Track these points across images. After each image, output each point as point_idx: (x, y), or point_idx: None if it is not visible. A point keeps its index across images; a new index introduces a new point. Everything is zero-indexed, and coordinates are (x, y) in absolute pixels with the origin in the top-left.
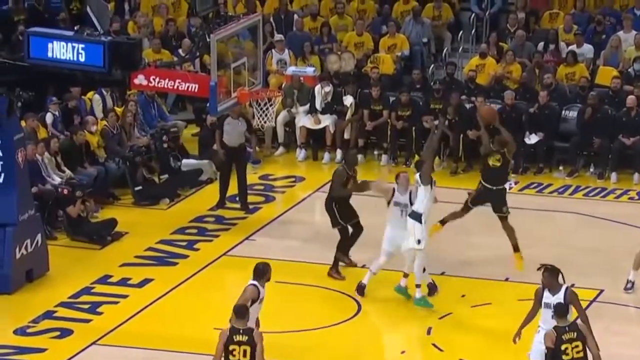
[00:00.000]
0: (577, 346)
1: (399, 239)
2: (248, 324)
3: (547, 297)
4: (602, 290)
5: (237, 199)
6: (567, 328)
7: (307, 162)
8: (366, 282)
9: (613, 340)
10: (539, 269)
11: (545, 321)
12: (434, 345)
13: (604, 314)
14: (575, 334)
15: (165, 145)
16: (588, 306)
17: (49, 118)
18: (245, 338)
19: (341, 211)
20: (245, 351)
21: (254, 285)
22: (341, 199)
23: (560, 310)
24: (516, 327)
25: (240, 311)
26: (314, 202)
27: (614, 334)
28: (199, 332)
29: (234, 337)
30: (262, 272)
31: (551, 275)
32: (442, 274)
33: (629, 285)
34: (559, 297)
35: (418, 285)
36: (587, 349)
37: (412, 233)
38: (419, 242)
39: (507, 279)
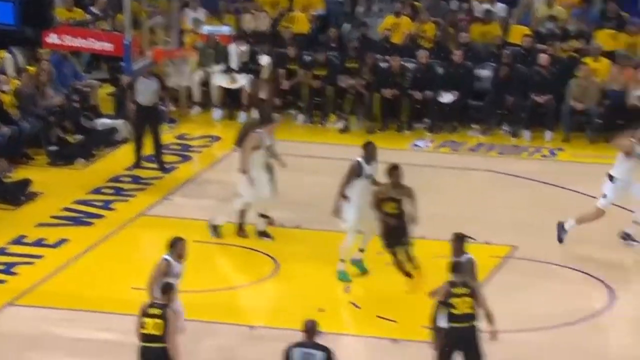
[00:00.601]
0: (466, 302)
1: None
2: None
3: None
4: (516, 247)
5: (153, 158)
6: (459, 284)
7: (223, 121)
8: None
9: (528, 295)
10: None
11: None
12: (352, 303)
13: (519, 271)
14: (467, 290)
15: (77, 105)
16: (503, 262)
17: None
18: (158, 311)
19: None
20: (157, 324)
21: (165, 259)
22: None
23: (454, 267)
24: (432, 283)
25: (165, 287)
26: (230, 162)
27: (529, 290)
28: (116, 291)
29: (148, 310)
30: (171, 245)
31: (458, 242)
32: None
33: (561, 234)
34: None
35: (342, 260)
36: (477, 306)
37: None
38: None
39: (423, 237)
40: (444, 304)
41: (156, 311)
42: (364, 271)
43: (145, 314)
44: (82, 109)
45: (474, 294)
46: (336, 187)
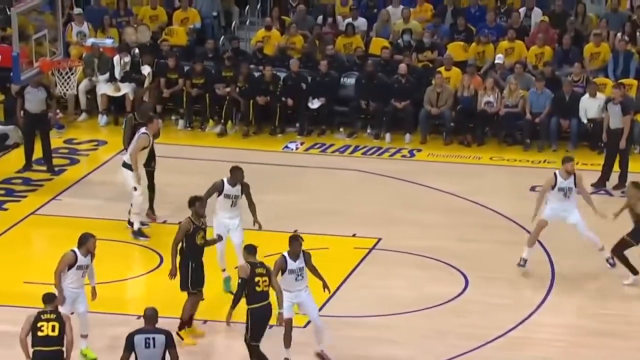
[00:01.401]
0: (265, 280)
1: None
2: (72, 287)
3: (291, 265)
4: (380, 239)
5: (43, 161)
6: (258, 264)
7: (108, 127)
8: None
9: (390, 283)
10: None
11: (285, 283)
12: (230, 292)
13: (382, 261)
14: (265, 270)
15: None
16: (368, 253)
17: None
18: (53, 316)
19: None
20: (54, 326)
21: (72, 250)
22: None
23: (250, 249)
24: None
25: (47, 297)
26: (116, 164)
27: (391, 278)
28: (10, 286)
29: (42, 316)
30: (79, 241)
31: (295, 243)
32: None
33: (522, 263)
34: (301, 262)
35: (223, 270)
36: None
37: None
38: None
39: (295, 231)
40: (249, 282)
41: (51, 315)
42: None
43: (40, 320)
44: None
45: (269, 274)
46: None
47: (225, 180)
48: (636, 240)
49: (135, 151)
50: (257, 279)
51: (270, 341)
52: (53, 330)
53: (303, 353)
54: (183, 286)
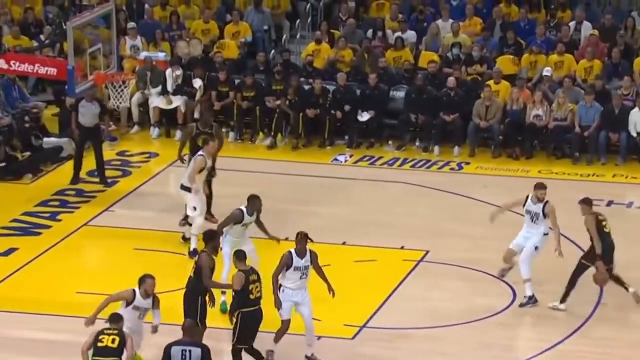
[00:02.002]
0: (257, 287)
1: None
2: (128, 324)
3: (297, 262)
4: (427, 251)
5: (96, 173)
6: (250, 271)
7: (160, 139)
8: None
9: (438, 295)
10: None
11: (289, 279)
12: None
13: (430, 273)
14: (257, 276)
15: (27, 125)
16: (416, 265)
17: None
18: (115, 331)
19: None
20: (114, 339)
21: (133, 289)
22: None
23: (240, 255)
24: (353, 284)
25: (113, 318)
26: (167, 176)
27: (439, 290)
28: (63, 295)
29: (105, 331)
30: (139, 281)
31: (302, 241)
32: (286, 239)
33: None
34: (307, 260)
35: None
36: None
37: None
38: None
39: (344, 243)
40: (244, 291)
41: (113, 331)
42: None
43: (102, 333)
44: (31, 129)
45: (260, 280)
46: (264, 198)
47: (244, 209)
48: (591, 261)
49: (194, 173)
50: (250, 287)
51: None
52: (113, 342)
53: None
54: (190, 316)
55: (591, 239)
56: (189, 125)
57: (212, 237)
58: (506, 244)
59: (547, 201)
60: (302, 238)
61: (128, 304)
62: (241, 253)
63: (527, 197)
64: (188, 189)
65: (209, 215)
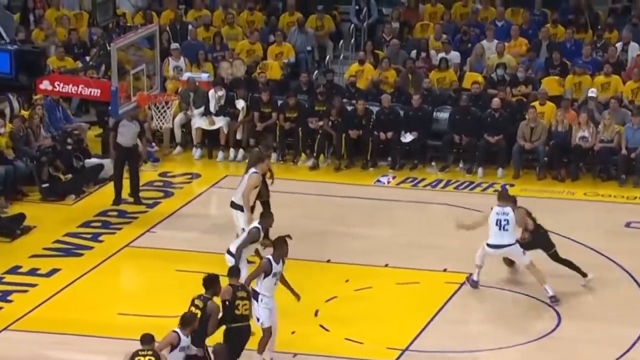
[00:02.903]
0: (246, 304)
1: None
2: None
3: (275, 267)
4: (471, 274)
5: (130, 194)
6: (239, 287)
7: (202, 160)
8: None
9: (481, 318)
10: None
11: (266, 287)
12: (321, 326)
13: (474, 295)
14: (246, 293)
15: (69, 147)
16: (459, 288)
17: None
18: (150, 352)
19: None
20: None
21: (175, 332)
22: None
23: (232, 272)
24: (395, 307)
25: (145, 338)
26: (209, 197)
27: (482, 313)
28: (104, 317)
29: (139, 352)
30: (187, 321)
31: (283, 246)
32: (328, 261)
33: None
34: (281, 266)
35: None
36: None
37: None
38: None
39: (386, 265)
40: (230, 304)
41: (147, 352)
42: None
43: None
44: (73, 150)
45: (250, 298)
46: (306, 219)
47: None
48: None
49: (248, 191)
50: (237, 302)
51: None
52: None
53: None
54: (199, 344)
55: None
56: (254, 150)
57: (212, 283)
58: (550, 267)
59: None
60: (284, 242)
61: (173, 347)
62: (236, 271)
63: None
64: (239, 207)
65: (266, 240)
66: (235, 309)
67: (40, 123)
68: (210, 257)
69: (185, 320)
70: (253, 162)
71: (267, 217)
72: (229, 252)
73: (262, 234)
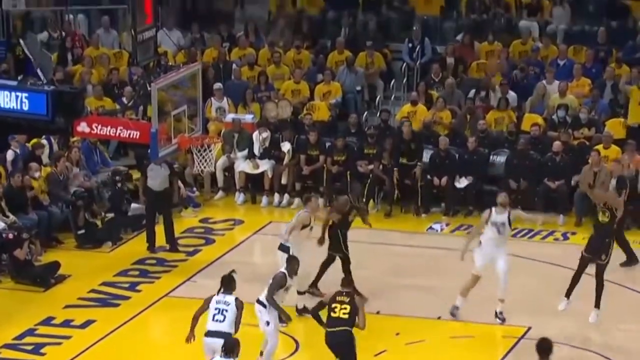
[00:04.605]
0: (345, 308)
1: None
2: None
3: (289, 281)
4: (529, 328)
5: (166, 241)
6: (343, 292)
7: (245, 205)
8: None
9: None
10: None
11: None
12: None
13: (532, 351)
14: (349, 299)
15: (125, 188)
16: (516, 343)
17: (9, 155)
18: None
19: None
20: None
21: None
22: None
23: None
24: None
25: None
26: (252, 245)
27: None
28: None
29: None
30: (231, 348)
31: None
32: (378, 312)
33: (454, 311)
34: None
35: None
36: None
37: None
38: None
39: (439, 318)
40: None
41: None
42: None
43: None
44: (124, 192)
45: (353, 305)
46: (354, 268)
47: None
48: None
49: (295, 229)
50: (334, 305)
51: None
52: None
53: None
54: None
55: None
56: (342, 198)
57: (232, 348)
58: (616, 320)
59: (510, 210)
60: (295, 260)
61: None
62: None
63: (491, 210)
64: (287, 250)
65: (314, 289)
66: (331, 310)
67: (77, 166)
68: (252, 308)
69: (228, 345)
70: (337, 213)
71: (292, 261)
72: (258, 301)
73: (288, 279)
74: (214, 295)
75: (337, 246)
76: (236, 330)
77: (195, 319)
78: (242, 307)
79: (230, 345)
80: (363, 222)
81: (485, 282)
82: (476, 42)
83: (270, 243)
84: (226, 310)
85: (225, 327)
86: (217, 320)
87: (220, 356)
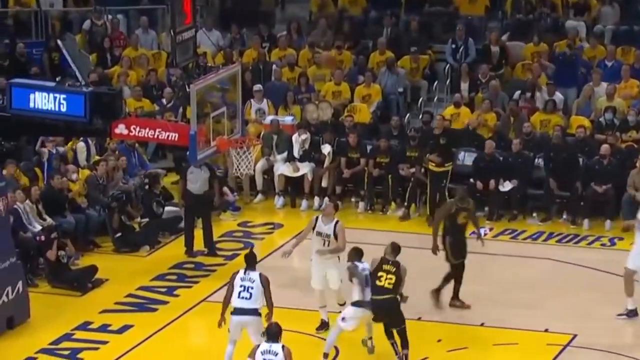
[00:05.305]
0: (390, 278)
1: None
2: None
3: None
4: (575, 335)
5: (204, 245)
6: (390, 261)
7: (285, 209)
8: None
9: None
10: None
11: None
12: None
13: (577, 359)
14: (395, 269)
15: (156, 191)
16: (562, 351)
17: (44, 155)
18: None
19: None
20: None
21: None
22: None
23: (393, 247)
24: None
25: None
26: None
27: None
28: None
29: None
30: (274, 334)
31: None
32: (419, 319)
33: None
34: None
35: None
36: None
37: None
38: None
39: (482, 324)
40: (374, 273)
41: None
42: None
43: None
44: (153, 194)
45: (399, 275)
46: None
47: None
48: None
49: (344, 242)
50: (380, 273)
51: None
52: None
53: None
54: None
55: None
56: (448, 202)
57: (276, 334)
58: None
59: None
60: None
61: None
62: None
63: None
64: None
65: (456, 301)
66: (377, 278)
67: (119, 169)
68: (290, 313)
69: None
70: (441, 216)
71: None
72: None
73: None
74: (237, 273)
75: (461, 251)
76: (265, 306)
77: (225, 304)
78: (267, 283)
79: (274, 331)
80: (473, 225)
81: (529, 287)
82: (522, 43)
83: (310, 248)
84: (252, 287)
85: (252, 303)
86: (243, 298)
87: (265, 341)
